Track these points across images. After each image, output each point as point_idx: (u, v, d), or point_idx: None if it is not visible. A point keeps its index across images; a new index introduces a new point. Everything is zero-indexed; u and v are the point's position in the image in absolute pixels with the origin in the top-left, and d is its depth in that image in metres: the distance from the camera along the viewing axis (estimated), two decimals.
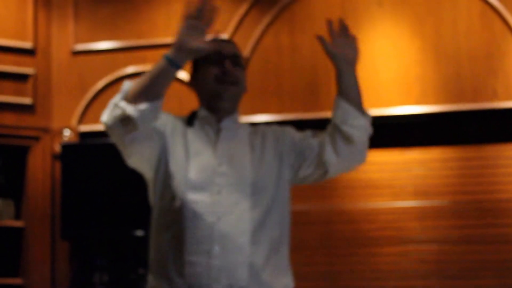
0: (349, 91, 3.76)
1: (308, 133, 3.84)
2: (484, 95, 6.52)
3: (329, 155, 3.74)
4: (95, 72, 7.16)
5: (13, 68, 6.96)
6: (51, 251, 7.01)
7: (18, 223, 6.98)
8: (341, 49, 3.76)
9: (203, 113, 3.76)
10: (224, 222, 3.65)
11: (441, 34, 6.68)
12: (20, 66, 7.00)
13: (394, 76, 6.70)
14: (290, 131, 3.86)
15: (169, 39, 6.47)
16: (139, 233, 6.64)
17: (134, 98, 3.48)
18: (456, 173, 6.76)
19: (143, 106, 3.44)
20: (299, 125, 3.95)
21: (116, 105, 3.49)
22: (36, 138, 7.07)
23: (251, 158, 3.79)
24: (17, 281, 6.91)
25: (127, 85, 3.54)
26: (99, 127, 6.91)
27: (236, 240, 3.66)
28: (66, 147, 6.97)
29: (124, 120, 3.50)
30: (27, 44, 7.01)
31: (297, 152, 3.81)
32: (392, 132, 6.73)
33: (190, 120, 3.80)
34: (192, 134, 3.76)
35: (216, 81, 3.70)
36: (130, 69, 6.92)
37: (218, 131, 3.78)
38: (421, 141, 6.82)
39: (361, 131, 3.75)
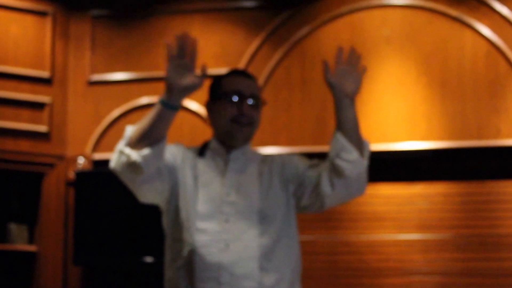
0: (344, 124, 3.72)
1: (313, 162, 3.83)
2: (487, 133, 6.52)
3: (325, 187, 3.73)
4: (110, 102, 7.16)
5: (30, 96, 6.98)
6: (63, 276, 7.01)
7: (31, 248, 6.98)
8: (342, 79, 3.69)
9: (214, 144, 3.78)
10: (233, 249, 3.64)
11: (447, 72, 6.67)
12: (37, 95, 7.00)
13: (401, 113, 6.72)
14: (296, 159, 3.87)
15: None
16: (149, 259, 6.61)
17: (136, 143, 3.54)
18: (459, 208, 6.74)
19: (146, 151, 3.51)
20: (308, 157, 3.93)
21: (121, 152, 3.53)
22: (51, 165, 7.08)
23: (259, 187, 3.80)
24: None
25: (130, 130, 3.57)
26: (111, 156, 7.07)
27: (245, 266, 3.64)
28: (80, 174, 6.98)
29: (131, 166, 3.54)
30: (44, 73, 7.00)
31: (299, 182, 3.81)
32: (398, 167, 6.76)
33: (201, 151, 3.82)
34: (203, 164, 3.77)
35: (232, 121, 3.71)
36: (144, 100, 6.94)
37: (227, 162, 3.79)
38: (426, 176, 6.81)
39: (353, 165, 3.71)
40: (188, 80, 3.53)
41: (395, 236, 6.83)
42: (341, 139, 3.64)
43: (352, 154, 3.63)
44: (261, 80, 6.85)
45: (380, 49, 6.75)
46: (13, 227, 6.99)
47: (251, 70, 6.68)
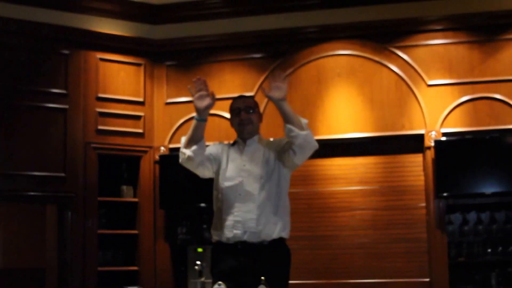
0: (285, 116, 4.45)
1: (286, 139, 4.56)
2: (397, 127, 7.87)
3: (291, 153, 4.50)
4: (178, 114, 8.36)
5: (132, 112, 8.39)
6: (154, 216, 8.34)
7: (135, 199, 8.32)
8: (272, 92, 4.38)
9: (237, 139, 4.76)
10: (242, 197, 4.58)
11: (373, 92, 8.04)
12: (136, 111, 8.41)
13: (347, 116, 8.01)
14: (283, 140, 4.62)
15: (229, 94, 7.51)
16: (203, 205, 7.91)
17: (187, 145, 4.52)
18: (381, 170, 8.06)
19: (194, 147, 4.51)
20: None
21: (181, 152, 4.58)
22: (145, 152, 8.40)
23: (262, 160, 4.63)
24: (134, 232, 8.25)
25: (183, 139, 4.59)
26: (179, 146, 6.70)
27: (248, 206, 4.55)
28: (162, 157, 8.26)
29: (187, 158, 4.52)
30: (140, 99, 8.45)
31: (281, 151, 4.61)
32: (346, 148, 8.07)
33: (233, 143, 4.78)
34: (232, 151, 4.73)
35: (238, 125, 4.67)
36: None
37: (244, 147, 4.70)
38: (363, 153, 8.11)
39: (296, 137, 4.41)
40: (205, 103, 4.43)
41: (345, 187, 8.10)
42: (286, 126, 4.46)
43: (293, 132, 4.43)
44: (264, 100, 7.62)
45: (334, 79, 8.11)
46: (124, 188, 8.32)
47: (259, 95, 7.73)
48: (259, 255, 4.52)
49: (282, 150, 4.59)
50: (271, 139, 4.88)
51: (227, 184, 4.63)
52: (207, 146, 4.72)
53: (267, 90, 4.42)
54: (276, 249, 4.60)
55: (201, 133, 4.52)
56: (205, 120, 4.48)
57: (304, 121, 4.51)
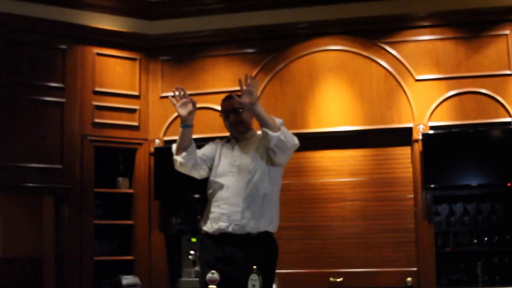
0: (259, 120, 4.52)
1: None
2: (385, 120, 7.93)
3: (271, 153, 4.61)
4: (173, 108, 6.00)
5: (128, 105, 8.42)
6: (149, 206, 8.38)
7: (130, 191, 8.37)
8: (243, 98, 4.41)
9: (230, 137, 4.89)
10: (229, 191, 4.68)
11: (363, 86, 8.10)
12: (132, 105, 8.43)
13: (338, 109, 8.07)
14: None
15: (223, 88, 7.82)
16: (197, 195, 7.98)
17: (178, 152, 4.68)
18: (371, 163, 8.12)
19: (183, 154, 4.66)
20: None
21: (174, 159, 4.73)
22: (140, 144, 8.42)
23: (251, 156, 4.70)
24: (130, 222, 8.29)
25: (173, 146, 4.72)
26: (174, 138, 6.73)
27: (234, 200, 4.64)
28: (157, 149, 8.32)
29: (180, 164, 4.67)
30: (136, 92, 8.47)
31: (268, 151, 4.66)
32: (337, 140, 8.10)
33: (227, 140, 4.90)
34: (225, 148, 4.85)
35: (230, 126, 4.80)
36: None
37: (235, 143, 4.82)
38: (352, 145, 8.13)
39: (271, 139, 4.49)
40: (187, 109, 4.54)
41: (335, 179, 8.14)
42: (261, 129, 4.54)
43: (268, 135, 4.50)
44: (259, 93, 7.87)
45: (325, 74, 8.16)
46: (120, 179, 8.33)
47: None
48: (244, 246, 4.58)
49: (268, 150, 4.67)
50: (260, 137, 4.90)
51: (216, 179, 4.75)
52: (208, 144, 4.86)
53: (237, 99, 4.49)
54: (262, 241, 4.64)
55: (189, 139, 4.64)
56: (190, 126, 4.60)
57: (279, 121, 4.56)
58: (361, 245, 8.06)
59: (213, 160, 4.78)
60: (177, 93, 4.59)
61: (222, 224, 4.59)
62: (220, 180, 4.71)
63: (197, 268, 8.11)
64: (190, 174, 4.78)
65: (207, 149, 4.84)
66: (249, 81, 4.40)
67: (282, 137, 4.45)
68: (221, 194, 4.67)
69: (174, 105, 4.58)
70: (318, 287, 7.94)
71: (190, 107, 4.54)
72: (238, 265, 4.50)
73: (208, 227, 4.69)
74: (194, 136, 4.79)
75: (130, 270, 8.24)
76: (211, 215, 4.68)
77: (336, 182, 8.22)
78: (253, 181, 4.64)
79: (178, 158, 4.64)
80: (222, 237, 4.63)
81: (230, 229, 4.58)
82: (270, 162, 4.68)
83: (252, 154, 4.70)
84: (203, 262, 4.72)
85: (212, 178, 4.76)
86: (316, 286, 7.97)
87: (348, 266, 7.99)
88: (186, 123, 4.59)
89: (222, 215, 4.61)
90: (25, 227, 8.96)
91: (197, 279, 7.89)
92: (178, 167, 4.72)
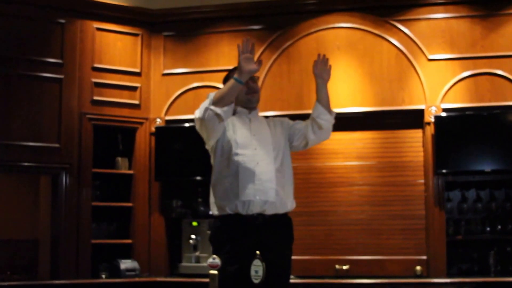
0: (321, 98, 4.56)
1: (298, 121, 4.68)
2: (397, 101, 7.81)
3: (310, 134, 4.57)
4: (174, 86, 8.31)
5: (128, 82, 8.32)
6: (149, 187, 8.30)
7: (130, 171, 8.30)
8: (320, 72, 4.51)
9: (240, 109, 4.63)
10: (260, 165, 4.44)
11: (373, 66, 7.95)
12: (132, 82, 8.33)
13: (346, 90, 7.95)
14: (288, 120, 4.73)
15: (227, 66, 7.30)
16: (199, 178, 7.97)
17: (218, 103, 4.27)
18: (380, 146, 8.00)
19: (225, 108, 4.28)
20: (292, 117, 4.89)
21: (208, 108, 4.27)
22: (141, 123, 8.35)
23: (270, 132, 4.60)
24: (129, 204, 8.19)
25: (212, 95, 4.30)
26: (176, 117, 8.12)
27: (268, 174, 4.44)
28: (158, 128, 8.24)
29: (216, 116, 4.28)
30: (137, 69, 8.37)
31: (291, 131, 4.63)
32: (345, 122, 7.67)
33: (233, 112, 4.55)
34: (235, 120, 4.57)
35: (247, 94, 4.59)
36: (194, 84, 8.15)
37: (250, 118, 4.60)
38: (361, 127, 8.04)
39: (327, 122, 4.55)
40: (251, 66, 4.21)
41: (343, 162, 8.07)
42: (320, 107, 4.54)
43: (326, 116, 4.55)
44: (265, 71, 7.98)
45: (334, 53, 7.94)
46: (119, 160, 8.24)
47: None
48: (277, 226, 4.45)
49: (293, 131, 4.62)
50: (266, 117, 4.88)
51: (242, 151, 4.47)
52: None
53: (315, 68, 4.55)
54: (288, 221, 4.56)
55: (234, 96, 4.34)
56: (243, 84, 4.31)
57: (332, 111, 4.65)
58: (368, 232, 7.97)
59: (224, 129, 4.50)
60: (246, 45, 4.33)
61: (259, 201, 4.36)
62: (247, 152, 4.44)
63: (197, 253, 8.06)
64: (211, 132, 4.40)
65: None
66: (325, 61, 4.52)
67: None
68: (252, 169, 4.41)
69: (240, 54, 4.25)
70: (324, 275, 7.84)
71: (254, 65, 4.22)
72: (276, 250, 4.40)
73: (237, 205, 4.40)
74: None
75: (128, 254, 8.18)
76: (244, 191, 4.39)
77: (344, 165, 8.13)
78: (278, 158, 4.50)
79: (218, 110, 4.24)
80: (257, 218, 4.40)
81: (266, 207, 4.38)
82: (287, 144, 4.63)
83: (270, 131, 4.58)
84: (234, 251, 4.40)
85: (234, 149, 4.45)
86: (321, 274, 7.87)
87: (355, 253, 7.92)
88: (242, 78, 4.23)
89: (257, 191, 4.37)
90: (20, 207, 8.91)
91: (198, 264, 7.96)
92: (209, 118, 4.29)
